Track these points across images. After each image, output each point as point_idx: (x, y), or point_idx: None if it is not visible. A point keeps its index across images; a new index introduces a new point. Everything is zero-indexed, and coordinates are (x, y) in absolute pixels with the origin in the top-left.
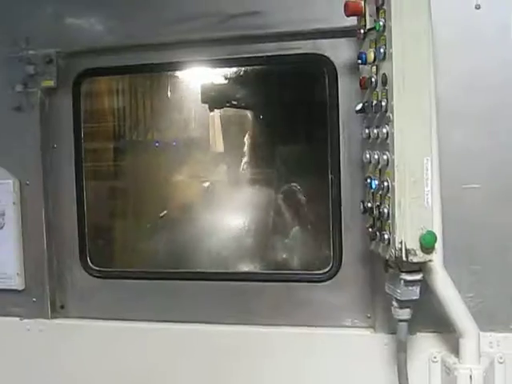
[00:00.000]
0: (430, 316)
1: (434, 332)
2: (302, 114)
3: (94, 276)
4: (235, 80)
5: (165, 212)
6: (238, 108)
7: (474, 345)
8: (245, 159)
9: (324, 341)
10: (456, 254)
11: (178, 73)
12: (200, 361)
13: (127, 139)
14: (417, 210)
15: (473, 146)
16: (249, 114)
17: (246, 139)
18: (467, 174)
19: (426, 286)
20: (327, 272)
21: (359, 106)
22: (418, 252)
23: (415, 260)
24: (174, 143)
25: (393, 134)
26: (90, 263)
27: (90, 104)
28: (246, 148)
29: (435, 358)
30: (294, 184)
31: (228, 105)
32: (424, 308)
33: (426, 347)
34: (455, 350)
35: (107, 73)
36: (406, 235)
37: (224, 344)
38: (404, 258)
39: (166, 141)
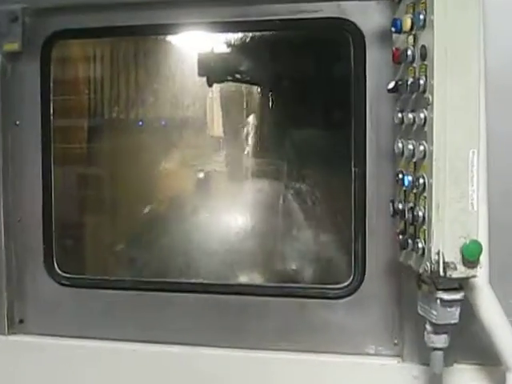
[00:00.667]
0: (470, 344)
1: (475, 364)
2: (320, 93)
3: (62, 284)
4: (240, 49)
5: (149, 208)
6: (242, 83)
7: None
8: (249, 146)
9: (341, 371)
10: (504, 270)
11: (169, 38)
12: None
13: (106, 117)
14: (459, 213)
15: None
16: (256, 90)
17: (252, 122)
18: None
19: (467, 308)
20: (347, 287)
21: (391, 84)
22: (458, 266)
23: (455, 275)
24: (163, 123)
25: (432, 119)
26: (56, 268)
27: (61, 73)
28: (250, 132)
29: None
30: (309, 178)
31: (230, 79)
32: (463, 334)
33: (465, 382)
34: None
35: (83, 35)
36: (444, 244)
37: (216, 372)
38: (441, 273)
39: (152, 121)
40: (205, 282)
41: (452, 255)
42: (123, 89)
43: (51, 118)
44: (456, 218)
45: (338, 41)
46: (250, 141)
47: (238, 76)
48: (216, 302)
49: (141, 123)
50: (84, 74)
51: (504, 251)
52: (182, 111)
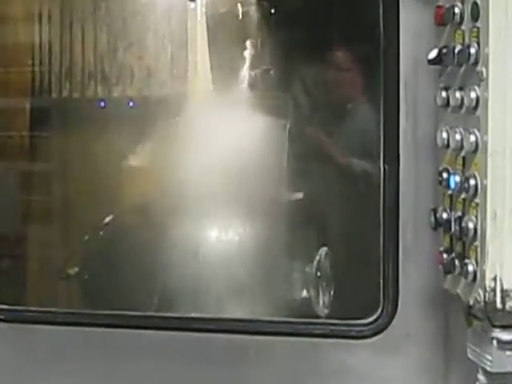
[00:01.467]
0: None
1: None
2: (339, 65)
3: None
4: None
5: (111, 217)
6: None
7: None
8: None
9: None
10: None
11: None
12: None
13: (54, 96)
14: None
15: None
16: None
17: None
18: None
19: None
20: (373, 322)
21: (433, 54)
22: None
23: None
24: (131, 104)
25: (486, 100)
26: None
27: None
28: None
29: None
30: (322, 180)
31: None
32: None
33: None
34: None
35: None
36: (503, 267)
37: None
38: (499, 305)
39: (117, 100)
40: (184, 315)
41: None
42: (77, 57)
43: None
44: None
45: None
46: None
47: None
48: (200, 343)
49: (102, 104)
50: (24, 36)
51: None
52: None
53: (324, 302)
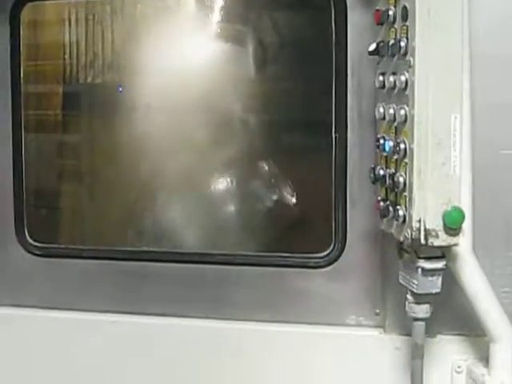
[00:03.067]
0: (453, 315)
1: (458, 335)
2: (299, 55)
3: (34, 254)
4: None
5: (129, 174)
6: None
7: (508, 352)
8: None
9: (321, 342)
10: (488, 238)
11: None
12: (160, 362)
13: (81, 81)
14: (441, 179)
15: None
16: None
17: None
18: (506, 136)
19: (450, 277)
20: (327, 256)
21: (372, 46)
22: (440, 233)
23: (437, 243)
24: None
25: (413, 82)
26: (28, 237)
27: (33, 36)
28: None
29: (459, 367)
30: (287, 142)
31: None
32: (446, 304)
33: (449, 353)
34: (484, 357)
35: None
36: (426, 211)
37: (192, 342)
38: (423, 241)
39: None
40: (181, 251)
41: (434, 222)
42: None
43: (21, 83)
44: (438, 185)
45: (318, 2)
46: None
47: None
48: (193, 272)
49: (120, 89)
50: (57, 36)
51: (487, 218)
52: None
53: (286, 238)
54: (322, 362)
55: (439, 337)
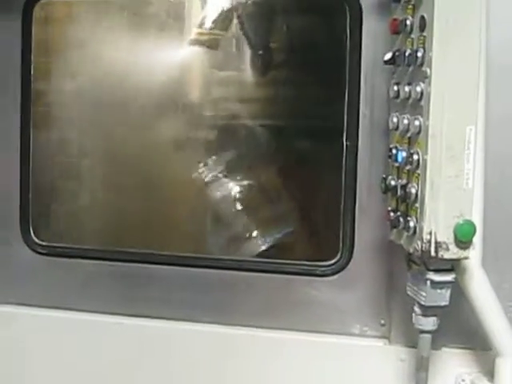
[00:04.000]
0: (459, 327)
1: (463, 348)
2: (312, 62)
3: (39, 253)
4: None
5: (135, 173)
6: None
7: None
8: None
9: (324, 351)
10: (496, 251)
11: None
12: (163, 365)
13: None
14: (454, 192)
15: None
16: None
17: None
18: None
19: (457, 290)
20: (334, 264)
21: (388, 56)
22: (451, 246)
23: (447, 256)
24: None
25: (429, 93)
26: (33, 236)
27: (44, 33)
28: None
29: (464, 380)
30: (298, 148)
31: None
32: (452, 317)
33: (453, 366)
34: (489, 372)
35: None
36: (437, 224)
37: (199, 348)
38: (433, 253)
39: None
40: (189, 255)
41: (444, 235)
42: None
43: (31, 80)
44: (450, 197)
45: (332, 8)
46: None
47: None
48: (199, 276)
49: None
50: (71, 33)
51: (496, 232)
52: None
53: (294, 246)
54: (325, 370)
55: (444, 349)
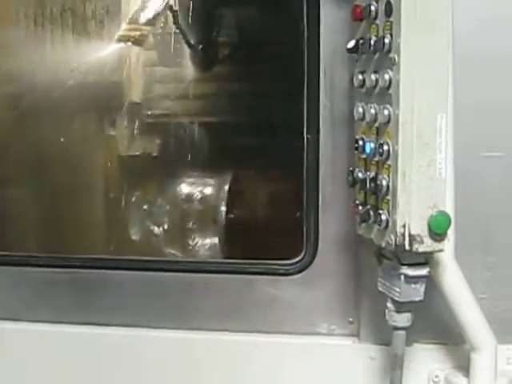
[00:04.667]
0: (431, 322)
1: (436, 343)
2: (267, 53)
3: None
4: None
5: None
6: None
7: (489, 361)
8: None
9: (291, 352)
10: (468, 243)
11: None
12: (125, 378)
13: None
14: (427, 182)
15: (498, 102)
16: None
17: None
18: (489, 138)
19: (428, 283)
20: (298, 262)
21: (351, 43)
22: (425, 239)
23: (422, 249)
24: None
25: (398, 81)
26: None
27: None
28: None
29: (437, 376)
30: (255, 143)
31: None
32: (424, 312)
33: (426, 362)
34: (464, 367)
35: None
36: (410, 216)
37: (160, 355)
38: (407, 247)
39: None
40: (143, 258)
41: (418, 227)
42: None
43: None
44: (423, 188)
45: None
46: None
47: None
48: (156, 280)
49: None
50: None
51: (466, 223)
52: None
53: (255, 244)
54: (292, 373)
55: (416, 345)
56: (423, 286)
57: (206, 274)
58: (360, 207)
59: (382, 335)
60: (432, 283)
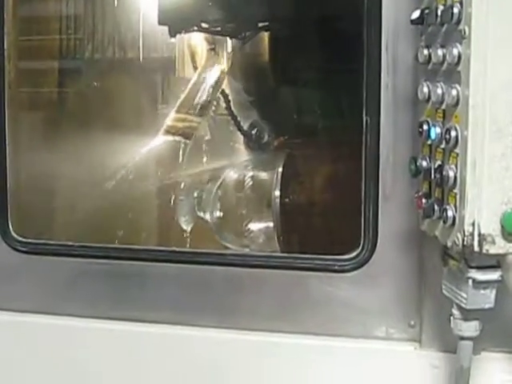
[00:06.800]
0: (502, 329)
1: (507, 352)
2: (322, 30)
3: (18, 250)
4: None
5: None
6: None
7: None
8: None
9: (345, 358)
10: None
11: None
12: (161, 377)
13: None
14: (500, 174)
15: None
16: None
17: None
18: None
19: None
20: (354, 258)
21: (416, 14)
22: (497, 239)
23: (493, 251)
24: None
25: (468, 56)
26: (11, 231)
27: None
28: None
29: None
30: (311, 128)
31: (197, 28)
32: (493, 318)
33: (495, 372)
34: None
35: None
36: (481, 213)
37: (198, 356)
38: (476, 248)
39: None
40: (186, 250)
41: (490, 226)
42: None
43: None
44: (496, 180)
45: None
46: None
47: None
48: (202, 274)
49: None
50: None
51: None
52: None
53: (308, 238)
54: (346, 380)
55: (484, 354)
56: (494, 291)
57: (254, 269)
58: (424, 200)
59: (447, 341)
60: (504, 288)
